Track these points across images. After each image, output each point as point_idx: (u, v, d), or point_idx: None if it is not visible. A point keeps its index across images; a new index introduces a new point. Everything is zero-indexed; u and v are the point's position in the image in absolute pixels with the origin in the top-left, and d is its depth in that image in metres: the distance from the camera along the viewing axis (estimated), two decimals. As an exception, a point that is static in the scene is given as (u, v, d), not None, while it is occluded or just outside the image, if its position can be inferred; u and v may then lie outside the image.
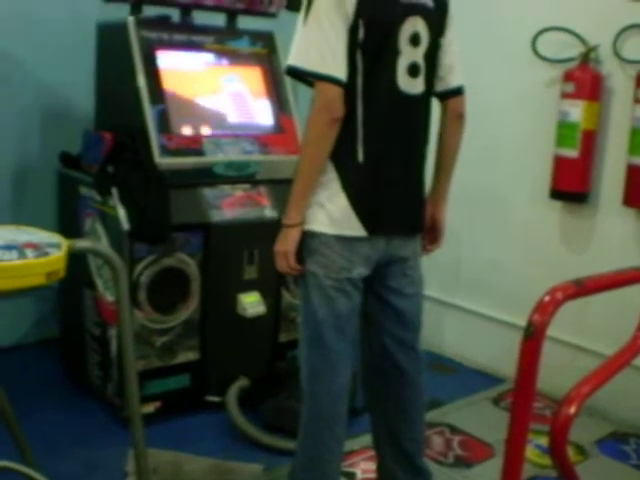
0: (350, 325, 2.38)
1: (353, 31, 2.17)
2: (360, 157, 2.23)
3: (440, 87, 2.43)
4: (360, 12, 2.16)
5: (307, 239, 2.28)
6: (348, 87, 2.18)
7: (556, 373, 3.08)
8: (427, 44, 2.32)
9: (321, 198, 2.25)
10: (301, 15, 2.21)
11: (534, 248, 3.93)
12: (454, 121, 2.47)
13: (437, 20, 2.34)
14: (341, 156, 2.24)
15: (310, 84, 2.24)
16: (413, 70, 2.28)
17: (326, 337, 2.33)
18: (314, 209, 2.26)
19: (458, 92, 2.45)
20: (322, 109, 2.15)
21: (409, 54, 2.27)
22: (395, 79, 2.25)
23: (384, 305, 2.46)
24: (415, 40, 2.28)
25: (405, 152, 2.34)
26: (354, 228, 2.25)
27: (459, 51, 2.46)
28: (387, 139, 2.28)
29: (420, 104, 2.35)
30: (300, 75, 2.24)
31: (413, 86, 2.30)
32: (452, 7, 2.43)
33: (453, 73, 2.43)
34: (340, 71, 2.15)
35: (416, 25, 2.28)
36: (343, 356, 2.38)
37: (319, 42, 2.14)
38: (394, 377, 2.52)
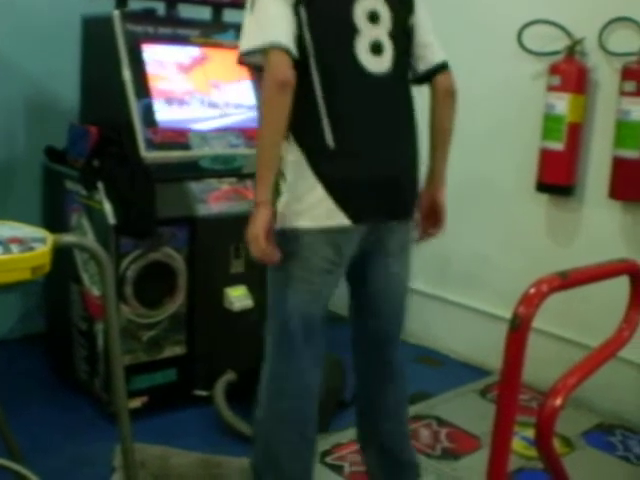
0: (322, 324, 2.34)
1: (298, 10, 2.14)
2: (330, 142, 2.17)
3: (422, 66, 2.38)
4: None
5: (283, 238, 2.20)
6: (304, 70, 2.14)
7: (543, 365, 3.09)
8: (390, 22, 2.27)
9: (295, 191, 2.19)
10: (247, 6, 2.20)
11: (520, 241, 3.94)
12: (445, 98, 2.41)
13: (398, 4, 2.30)
14: (309, 144, 2.19)
15: (257, 68, 2.20)
16: (376, 48, 2.23)
17: (296, 338, 2.28)
18: (288, 204, 2.20)
19: (442, 68, 2.39)
20: (269, 75, 2.08)
21: (369, 32, 2.23)
22: (356, 57, 2.21)
23: (368, 298, 2.43)
24: (374, 18, 2.24)
25: (382, 133, 2.27)
26: (335, 218, 2.18)
27: (435, 29, 2.41)
28: (357, 120, 2.22)
29: (390, 83, 2.28)
30: (248, 60, 2.20)
31: (377, 64, 2.24)
32: (438, 5, 2.41)
33: (432, 50, 2.38)
34: (280, 36, 2.09)
35: (373, 3, 2.24)
36: (313, 357, 2.34)
37: (259, 20, 2.13)
38: (380, 370, 2.52)
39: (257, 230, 2.14)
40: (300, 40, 2.14)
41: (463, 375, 3.95)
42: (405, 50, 2.33)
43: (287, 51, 2.08)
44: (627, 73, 3.39)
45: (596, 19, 3.54)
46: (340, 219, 2.19)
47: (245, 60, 2.22)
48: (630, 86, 3.37)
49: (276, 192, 2.22)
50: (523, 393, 3.42)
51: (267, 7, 2.13)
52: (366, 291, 2.42)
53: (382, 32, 2.26)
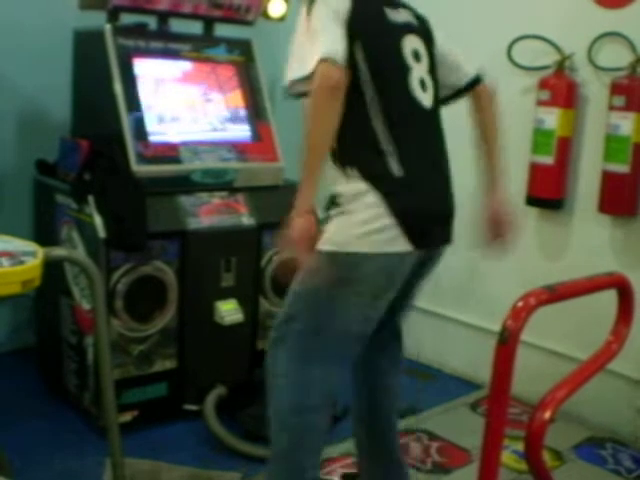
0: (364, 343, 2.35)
1: (353, 45, 2.15)
2: (397, 172, 2.17)
3: (459, 83, 2.49)
4: (356, 28, 2.16)
5: (336, 261, 2.17)
6: (363, 101, 2.17)
7: (533, 379, 3.10)
8: (427, 59, 2.36)
9: (356, 218, 2.16)
10: (298, 31, 2.18)
11: (511, 254, 3.92)
12: (488, 105, 2.53)
13: (425, 35, 2.40)
14: (376, 174, 2.17)
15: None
16: (422, 85, 2.30)
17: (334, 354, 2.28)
18: (346, 229, 2.17)
19: (479, 80, 2.51)
20: (318, 85, 2.03)
21: (417, 69, 2.30)
22: (411, 92, 2.26)
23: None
24: (417, 56, 2.31)
25: (434, 163, 2.34)
26: (397, 244, 2.17)
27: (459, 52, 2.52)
28: (417, 151, 2.26)
29: (433, 117, 2.37)
30: (297, 88, 2.15)
31: (425, 100, 2.31)
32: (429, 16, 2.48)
33: (464, 67, 2.50)
34: (332, 48, 2.06)
35: (413, 42, 2.32)
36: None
37: (311, 46, 2.09)
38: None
39: (300, 236, 2.10)
40: (354, 66, 2.15)
41: (454, 389, 3.95)
42: (437, 85, 2.41)
43: (338, 60, 2.05)
44: (616, 88, 3.42)
45: (585, 34, 3.57)
46: (402, 245, 2.17)
47: (294, 90, 2.16)
48: (619, 101, 3.39)
49: (328, 218, 2.22)
50: (513, 406, 3.43)
51: (324, 30, 2.11)
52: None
53: (424, 69, 2.34)
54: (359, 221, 2.15)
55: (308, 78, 2.07)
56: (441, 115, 2.44)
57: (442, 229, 2.35)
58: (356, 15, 2.18)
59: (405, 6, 2.41)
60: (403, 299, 2.45)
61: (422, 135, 2.31)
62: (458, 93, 2.51)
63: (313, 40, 2.10)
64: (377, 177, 2.17)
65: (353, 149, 2.18)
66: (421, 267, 2.36)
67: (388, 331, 2.53)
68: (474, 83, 2.51)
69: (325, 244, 2.18)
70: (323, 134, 2.09)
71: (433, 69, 2.39)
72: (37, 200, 3.66)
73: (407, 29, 2.33)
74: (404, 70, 2.27)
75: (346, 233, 2.17)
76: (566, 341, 3.67)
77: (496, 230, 2.53)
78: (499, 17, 3.89)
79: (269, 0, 3.67)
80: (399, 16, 2.34)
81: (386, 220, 2.14)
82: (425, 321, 4.25)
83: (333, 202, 2.22)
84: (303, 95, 2.15)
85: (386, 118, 2.19)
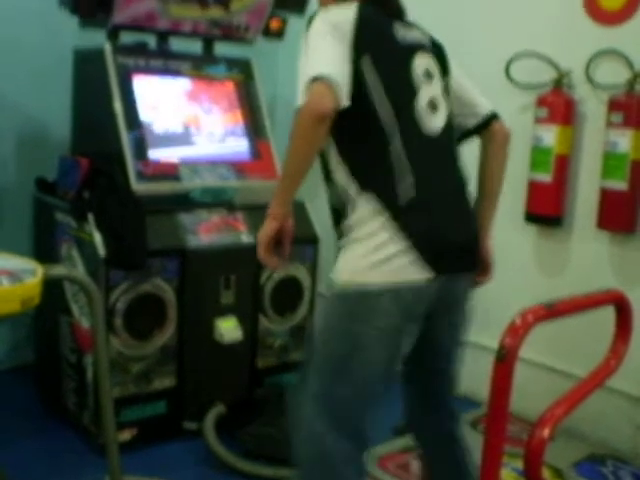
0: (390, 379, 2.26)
1: (360, 61, 2.08)
2: (405, 196, 2.09)
3: (474, 122, 2.40)
4: (364, 43, 2.09)
5: (350, 294, 2.11)
6: (365, 124, 2.10)
7: (532, 395, 3.10)
8: (440, 80, 2.28)
9: (369, 245, 2.08)
10: (302, 55, 2.10)
11: (510, 271, 3.94)
12: (502, 143, 2.45)
13: (439, 59, 2.32)
14: (388, 197, 2.10)
15: None
16: (432, 105, 2.21)
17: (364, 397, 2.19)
18: (360, 257, 2.10)
19: (494, 117, 2.42)
20: (307, 104, 1.98)
21: (427, 90, 2.21)
22: (419, 115, 2.17)
23: (426, 348, 2.34)
24: (429, 75, 2.23)
25: (449, 187, 2.24)
26: (413, 272, 2.08)
27: (472, 84, 2.46)
28: (428, 174, 2.16)
29: (445, 139, 2.26)
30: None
31: (435, 121, 2.21)
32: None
33: (478, 105, 2.41)
34: (329, 68, 1.99)
35: (425, 61, 2.24)
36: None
37: (309, 61, 2.04)
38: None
39: (260, 238, 2.18)
40: (361, 87, 2.07)
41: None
42: (451, 108, 2.32)
43: (333, 84, 1.98)
44: (614, 105, 3.43)
45: (583, 51, 3.59)
46: (417, 273, 2.08)
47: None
48: (617, 118, 3.40)
49: (338, 248, 2.18)
50: (512, 424, 3.42)
51: (320, 47, 2.05)
52: (425, 339, 2.31)
53: (436, 89, 2.25)
54: (369, 249, 2.07)
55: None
56: (454, 137, 2.35)
57: (462, 255, 2.23)
58: (362, 27, 2.09)
59: (416, 27, 2.32)
60: (441, 340, 2.37)
61: (431, 158, 2.20)
62: (467, 134, 2.42)
63: (308, 59, 2.04)
64: (388, 201, 2.09)
65: (360, 173, 2.11)
66: (447, 298, 2.24)
67: (437, 388, 2.47)
68: (486, 124, 2.41)
69: (337, 276, 2.13)
70: (304, 158, 2.05)
71: (447, 90, 2.31)
72: (37, 218, 3.67)
73: (418, 47, 2.24)
74: (412, 90, 2.18)
75: (356, 263, 2.10)
76: (565, 357, 3.67)
77: (480, 268, 2.46)
78: (497, 35, 3.91)
79: (268, 19, 3.68)
80: (410, 33, 2.26)
81: (398, 246, 2.06)
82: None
83: (344, 230, 2.15)
84: None
85: (397, 139, 2.11)
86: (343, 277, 2.12)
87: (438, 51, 2.35)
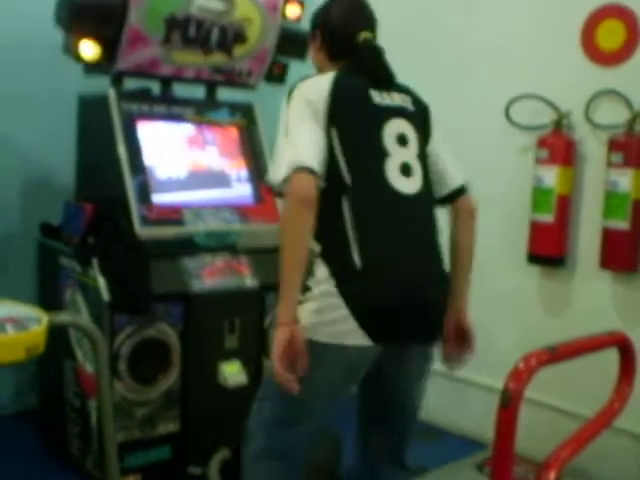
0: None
1: (330, 133, 2.16)
2: (357, 263, 2.12)
3: (441, 192, 2.41)
4: (334, 116, 2.17)
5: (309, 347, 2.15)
6: (335, 192, 2.15)
7: (538, 436, 3.08)
8: (417, 145, 2.30)
9: (319, 305, 2.15)
10: (281, 130, 2.20)
11: (514, 312, 3.95)
12: (468, 219, 2.45)
13: (420, 124, 2.35)
14: (337, 263, 2.16)
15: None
16: (405, 170, 2.23)
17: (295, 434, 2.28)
18: (310, 316, 2.15)
19: (461, 192, 2.43)
20: (290, 195, 2.08)
21: (398, 155, 2.24)
22: (386, 180, 2.20)
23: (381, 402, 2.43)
24: (402, 140, 2.26)
25: (412, 255, 2.23)
26: (355, 338, 2.12)
27: (449, 153, 2.45)
28: (386, 242, 2.19)
29: (418, 203, 2.28)
30: (280, 189, 2.16)
31: (408, 186, 2.23)
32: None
33: (448, 176, 2.41)
34: (308, 159, 2.09)
35: (400, 126, 2.27)
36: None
37: (290, 148, 2.13)
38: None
39: (274, 353, 2.09)
40: (330, 156, 2.15)
41: (460, 448, 3.91)
42: (429, 171, 2.35)
43: (312, 172, 2.08)
44: (614, 145, 3.46)
45: (582, 92, 3.63)
46: (358, 338, 2.12)
47: (278, 191, 2.19)
48: (617, 157, 3.43)
49: (301, 301, 2.20)
50: (518, 465, 3.39)
51: (297, 133, 2.14)
52: (375, 397, 2.40)
53: (411, 154, 2.27)
54: (319, 309, 2.14)
55: (284, 182, 2.10)
56: (432, 201, 2.37)
57: (414, 323, 2.22)
58: (336, 99, 2.18)
59: (404, 91, 2.37)
60: (392, 405, 2.40)
61: (398, 224, 2.22)
62: (439, 202, 2.43)
63: (289, 142, 2.13)
64: (338, 266, 2.15)
65: (325, 235, 2.16)
66: (391, 366, 2.27)
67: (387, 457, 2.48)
68: (455, 195, 2.43)
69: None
70: (297, 245, 2.09)
71: (425, 155, 2.33)
72: (41, 263, 3.69)
73: (394, 112, 2.28)
74: (381, 155, 2.22)
75: (309, 320, 2.14)
76: (571, 398, 3.66)
77: (458, 344, 2.50)
78: (496, 77, 3.96)
79: (270, 65, 3.72)
80: (387, 99, 2.30)
81: (342, 311, 2.11)
82: (429, 379, 4.23)
83: (306, 286, 2.19)
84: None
85: (354, 207, 2.16)
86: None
87: (421, 115, 2.38)
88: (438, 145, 2.41)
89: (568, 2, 3.71)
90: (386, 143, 2.23)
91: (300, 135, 2.14)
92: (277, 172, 2.13)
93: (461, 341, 2.49)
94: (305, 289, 2.18)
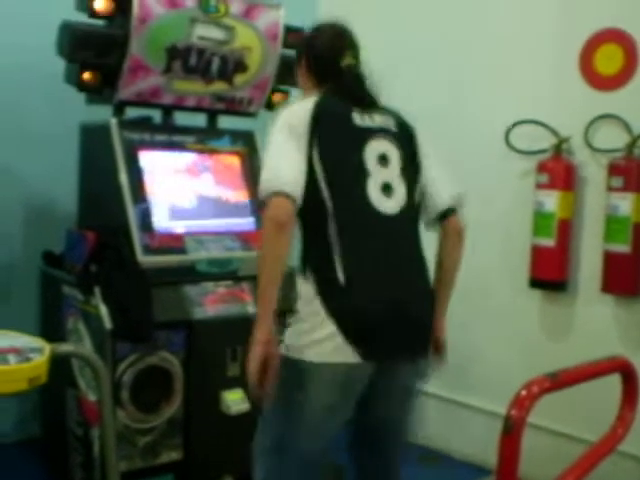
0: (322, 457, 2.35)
1: (311, 155, 2.21)
2: (341, 279, 2.17)
3: (430, 215, 2.45)
4: (315, 138, 2.22)
5: (288, 366, 2.19)
6: (318, 212, 2.20)
7: (542, 461, 3.08)
8: (399, 164, 2.34)
9: (305, 324, 2.20)
10: (265, 153, 2.28)
11: (516, 337, 3.95)
12: (454, 238, 2.47)
13: (405, 144, 2.39)
14: (322, 279, 2.20)
15: None
16: (386, 190, 2.28)
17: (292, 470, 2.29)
18: (296, 336, 2.21)
19: (449, 213, 2.45)
20: (268, 218, 2.13)
21: (379, 174, 2.29)
22: (368, 199, 2.25)
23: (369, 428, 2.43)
24: (384, 160, 2.31)
25: (395, 271, 2.27)
26: (343, 355, 2.16)
27: (441, 171, 2.48)
28: (369, 259, 2.23)
29: (400, 221, 2.31)
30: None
31: (389, 206, 2.28)
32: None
33: (437, 199, 2.44)
34: (286, 184, 2.14)
35: (381, 146, 2.32)
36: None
37: (271, 170, 2.19)
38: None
39: (249, 367, 2.16)
40: (312, 177, 2.20)
41: (463, 474, 3.90)
42: (414, 189, 2.38)
43: (289, 197, 2.13)
44: (614, 169, 3.47)
45: (581, 117, 3.65)
46: (348, 356, 2.16)
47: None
48: (617, 182, 3.44)
49: (289, 323, 2.26)
50: (524, 492, 3.38)
51: (279, 151, 2.21)
52: (367, 420, 2.39)
53: (392, 174, 2.32)
54: (306, 329, 2.19)
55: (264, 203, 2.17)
56: (416, 219, 2.41)
57: (401, 339, 2.25)
58: (318, 122, 2.24)
59: (388, 112, 2.42)
60: (385, 424, 2.41)
61: (379, 241, 2.26)
62: (429, 224, 2.49)
63: (268, 165, 2.20)
64: (324, 284, 2.20)
65: (310, 254, 2.23)
66: (379, 384, 2.28)
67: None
68: (443, 217, 2.46)
69: (282, 348, 2.22)
70: (273, 265, 2.15)
71: (409, 173, 2.36)
72: (44, 291, 3.70)
73: (375, 133, 2.33)
74: (362, 175, 2.27)
75: (296, 340, 2.20)
76: (574, 423, 3.65)
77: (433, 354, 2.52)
78: (496, 103, 3.98)
79: (271, 92, 3.75)
80: (369, 120, 2.34)
81: (329, 329, 2.15)
82: (431, 405, 4.23)
83: (294, 306, 2.25)
84: None
85: (336, 224, 2.20)
86: (286, 351, 2.21)
87: (405, 136, 2.42)
88: (429, 166, 2.44)
89: (566, 27, 3.73)
90: (367, 163, 2.28)
91: (280, 159, 2.20)
92: (263, 189, 2.19)
93: (436, 352, 2.52)
94: (292, 312, 2.24)
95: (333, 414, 2.26)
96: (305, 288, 2.23)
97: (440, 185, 2.45)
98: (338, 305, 2.17)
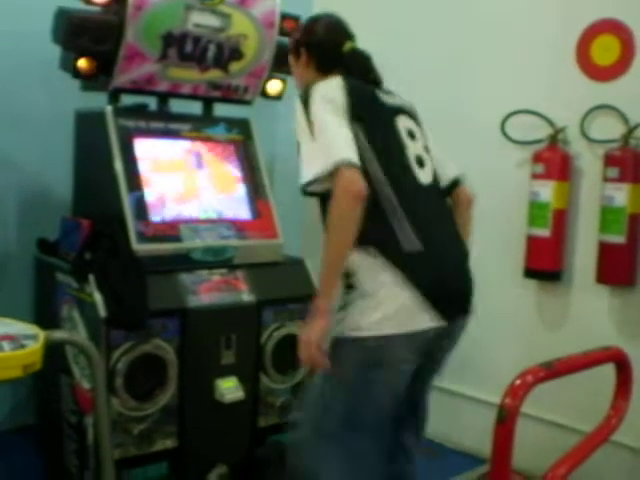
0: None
1: (355, 131, 2.24)
2: (416, 245, 2.21)
3: (444, 182, 2.55)
4: (355, 113, 2.26)
5: (362, 346, 2.21)
6: (372, 181, 2.21)
7: (536, 451, 3.08)
8: (423, 139, 2.46)
9: (375, 299, 2.19)
10: (302, 132, 2.26)
11: (512, 327, 3.95)
12: (467, 209, 2.62)
13: (417, 121, 2.51)
14: (395, 251, 2.21)
15: (321, 196, 2.25)
16: (420, 162, 2.38)
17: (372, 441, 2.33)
18: (366, 313, 2.20)
19: (457, 183, 2.59)
20: (343, 189, 2.12)
21: (412, 147, 2.38)
22: (412, 170, 2.34)
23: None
24: (412, 135, 2.41)
25: (446, 237, 2.39)
26: (422, 321, 2.19)
27: (439, 147, 2.60)
28: (429, 226, 2.30)
29: (435, 192, 2.44)
30: (313, 189, 2.23)
31: (424, 177, 2.38)
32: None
33: (446, 168, 2.56)
34: (349, 154, 2.15)
35: (406, 122, 2.42)
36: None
37: (324, 144, 2.19)
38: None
39: (315, 337, 2.17)
40: (362, 155, 2.21)
41: (459, 464, 3.91)
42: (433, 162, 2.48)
43: (357, 167, 2.15)
44: (610, 160, 3.47)
45: (577, 107, 3.64)
46: (425, 321, 2.20)
47: (310, 189, 2.24)
48: (613, 172, 3.44)
49: (344, 301, 2.26)
50: (517, 481, 3.39)
51: (327, 129, 2.21)
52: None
53: (420, 147, 2.42)
54: (379, 302, 2.18)
55: (322, 180, 2.16)
56: (443, 191, 2.52)
57: (462, 301, 2.37)
58: (353, 98, 2.27)
59: (396, 95, 2.52)
60: (427, 374, 2.50)
61: (429, 210, 2.36)
62: None
63: (324, 141, 2.18)
64: (393, 254, 2.20)
65: (371, 226, 2.19)
66: (443, 340, 2.36)
67: (413, 411, 2.57)
68: (453, 186, 2.59)
69: (350, 330, 2.21)
70: (344, 243, 2.15)
71: (429, 149, 2.48)
72: (38, 279, 3.69)
73: (399, 110, 2.43)
74: (401, 148, 2.35)
75: (369, 317, 2.19)
76: (568, 413, 3.66)
77: None
78: (492, 93, 3.97)
79: (267, 80, 3.74)
80: (391, 99, 2.45)
81: (406, 297, 2.16)
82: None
83: (350, 284, 2.24)
84: (317, 195, 2.25)
85: (395, 195, 2.24)
86: (357, 331, 2.20)
87: (415, 115, 2.54)
88: (431, 140, 2.56)
89: (563, 18, 3.73)
90: (401, 137, 2.36)
91: (334, 132, 2.20)
92: (308, 172, 2.19)
93: None
94: (350, 286, 2.25)
95: (406, 379, 2.30)
96: (370, 263, 2.21)
97: (445, 159, 2.57)
98: (420, 272, 2.19)
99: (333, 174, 2.13)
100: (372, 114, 2.33)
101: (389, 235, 2.22)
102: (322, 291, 2.20)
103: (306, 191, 2.25)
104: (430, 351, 2.33)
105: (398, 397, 2.32)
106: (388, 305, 2.17)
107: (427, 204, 2.36)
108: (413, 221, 2.24)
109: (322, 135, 2.20)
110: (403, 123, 2.40)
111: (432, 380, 2.57)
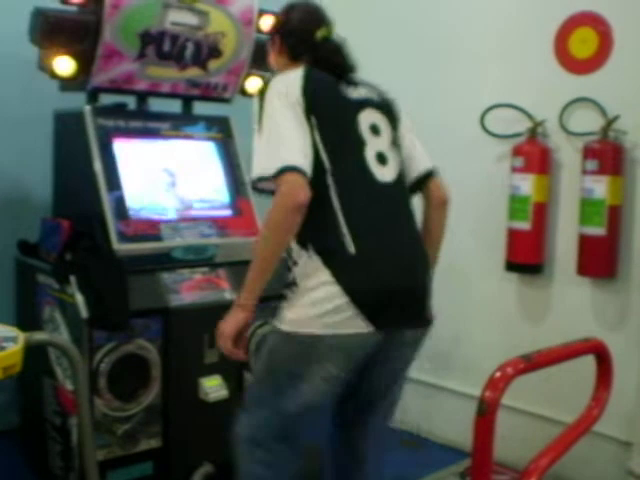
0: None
1: (310, 127, 2.20)
2: (350, 249, 2.16)
3: (410, 177, 2.47)
4: (311, 109, 2.21)
5: (294, 341, 2.20)
6: (319, 180, 2.18)
7: (519, 443, 3.10)
8: (389, 134, 2.39)
9: (311, 298, 2.17)
10: (256, 126, 2.24)
11: (493, 320, 3.97)
12: (438, 207, 2.52)
13: (389, 114, 2.44)
14: (329, 252, 2.18)
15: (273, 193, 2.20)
16: (380, 159, 2.32)
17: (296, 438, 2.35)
18: (302, 310, 2.19)
19: (429, 175, 2.50)
20: (285, 195, 2.09)
21: (374, 144, 2.32)
22: (367, 168, 2.28)
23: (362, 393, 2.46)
24: (375, 130, 2.35)
25: (396, 240, 2.29)
26: (353, 326, 2.15)
27: (418, 142, 2.55)
28: (373, 228, 2.24)
29: (395, 191, 2.35)
30: (262, 186, 2.22)
31: (384, 174, 2.31)
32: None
33: (416, 161, 2.49)
34: (297, 159, 2.12)
35: (372, 117, 2.36)
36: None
37: (273, 143, 2.16)
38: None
39: (228, 329, 2.23)
40: (314, 151, 2.19)
41: (443, 457, 3.92)
42: (402, 158, 2.43)
43: (302, 172, 2.11)
44: (588, 152, 3.49)
45: (556, 101, 3.66)
46: (357, 326, 2.16)
47: (259, 186, 2.23)
48: (592, 165, 3.46)
49: (286, 297, 2.25)
50: (500, 473, 3.40)
51: (278, 126, 2.17)
52: (360, 388, 2.43)
53: (383, 143, 2.36)
54: (313, 301, 2.17)
55: (268, 179, 2.13)
56: (407, 189, 2.45)
57: (407, 308, 2.27)
58: (311, 91, 2.23)
59: (369, 86, 2.46)
60: (380, 388, 2.45)
61: (380, 210, 2.28)
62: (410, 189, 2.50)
63: (273, 141, 2.16)
64: (331, 254, 2.17)
65: (311, 225, 2.18)
66: (389, 348, 2.30)
67: (365, 432, 2.52)
68: (423, 179, 2.50)
69: (283, 324, 2.22)
70: (279, 246, 2.17)
71: (396, 144, 2.42)
72: (19, 280, 3.67)
73: (364, 104, 2.37)
74: (358, 145, 2.29)
75: (301, 313, 2.19)
76: (550, 404, 3.67)
77: None
78: (471, 87, 3.99)
79: (245, 77, 3.73)
80: (355, 92, 2.38)
81: (339, 300, 2.13)
82: (410, 389, 4.23)
83: (290, 279, 2.24)
84: (266, 192, 2.23)
85: (340, 194, 2.20)
86: (289, 326, 2.21)
87: (388, 106, 2.47)
88: (404, 134, 2.49)
89: (541, 11, 3.74)
90: (362, 132, 2.30)
91: (284, 134, 2.16)
92: (256, 169, 2.18)
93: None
94: (291, 282, 2.24)
95: (333, 384, 2.26)
96: (306, 261, 2.20)
97: (419, 151, 2.51)
98: (349, 276, 2.15)
99: (277, 177, 2.11)
100: (329, 109, 2.28)
101: (329, 236, 2.19)
102: (247, 287, 2.22)
103: (256, 187, 2.25)
104: (376, 358, 2.28)
105: (325, 397, 2.30)
106: (320, 305, 2.15)
107: (382, 203, 2.29)
108: (353, 224, 2.19)
109: (272, 134, 2.17)
110: (367, 118, 2.34)
111: (385, 397, 2.51)
